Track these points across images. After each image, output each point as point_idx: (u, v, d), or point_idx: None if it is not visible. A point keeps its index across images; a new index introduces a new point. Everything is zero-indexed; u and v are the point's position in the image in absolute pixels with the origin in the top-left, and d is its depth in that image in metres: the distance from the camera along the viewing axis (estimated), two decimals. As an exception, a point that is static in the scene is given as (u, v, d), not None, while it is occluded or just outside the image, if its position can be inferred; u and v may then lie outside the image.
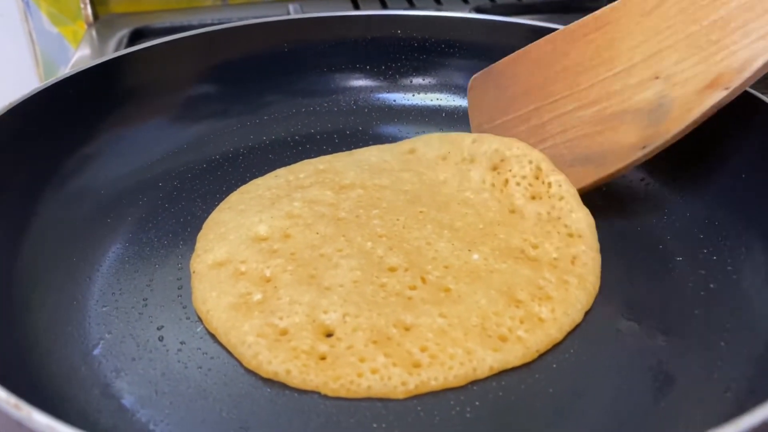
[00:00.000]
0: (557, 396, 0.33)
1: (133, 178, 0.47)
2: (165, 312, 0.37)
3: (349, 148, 0.50)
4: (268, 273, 0.38)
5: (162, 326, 0.36)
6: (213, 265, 0.39)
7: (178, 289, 0.39)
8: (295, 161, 0.49)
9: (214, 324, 0.36)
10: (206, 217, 0.44)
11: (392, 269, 0.38)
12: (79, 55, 0.69)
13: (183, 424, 0.32)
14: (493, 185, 0.43)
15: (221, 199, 0.45)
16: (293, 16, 0.71)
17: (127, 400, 0.33)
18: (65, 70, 0.78)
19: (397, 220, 0.41)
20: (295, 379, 0.33)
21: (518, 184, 0.42)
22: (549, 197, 0.41)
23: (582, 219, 0.40)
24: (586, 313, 0.37)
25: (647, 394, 0.33)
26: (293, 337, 0.34)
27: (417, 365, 0.33)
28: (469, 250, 0.39)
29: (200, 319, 0.37)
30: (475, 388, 0.33)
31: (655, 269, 0.40)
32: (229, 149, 0.51)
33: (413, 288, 0.37)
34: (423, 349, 0.34)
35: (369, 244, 0.39)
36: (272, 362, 0.34)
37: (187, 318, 0.37)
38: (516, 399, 0.33)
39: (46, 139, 0.44)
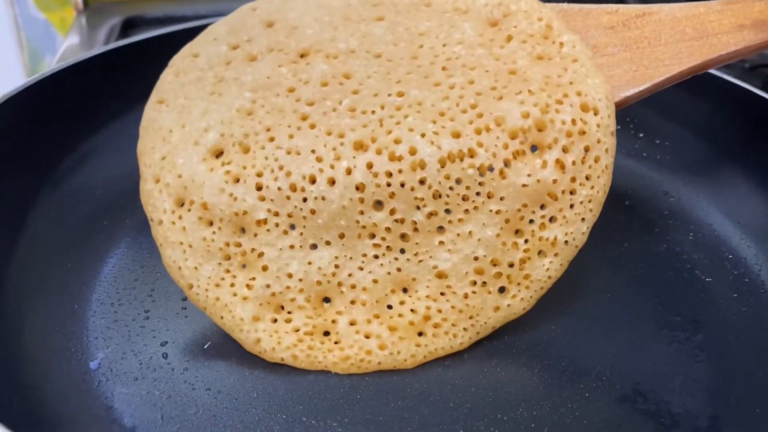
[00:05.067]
0: (593, 428, 0.31)
1: (132, 177, 0.43)
2: (169, 326, 0.35)
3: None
4: (237, 219, 0.33)
5: (166, 342, 0.34)
6: (173, 209, 0.34)
7: (182, 300, 0.36)
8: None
9: (201, 304, 0.33)
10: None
11: (378, 206, 0.33)
12: (68, 44, 0.66)
13: (192, 453, 0.29)
14: (491, 41, 0.35)
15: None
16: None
17: (130, 424, 0.30)
18: (52, 59, 0.75)
19: (373, 113, 0.33)
20: (303, 363, 0.33)
21: (524, 41, 0.35)
22: (560, 58, 0.34)
23: (599, 86, 0.34)
24: (617, 338, 0.35)
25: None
26: (292, 316, 0.33)
27: (422, 334, 0.33)
28: (460, 161, 0.32)
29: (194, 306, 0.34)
30: (505, 418, 0.31)
31: (684, 291, 0.38)
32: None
33: (406, 239, 0.33)
34: (426, 318, 0.33)
35: (344, 164, 0.32)
36: (276, 349, 0.33)
37: (193, 332, 0.34)
38: (549, 430, 0.31)
39: (37, 136, 0.41)
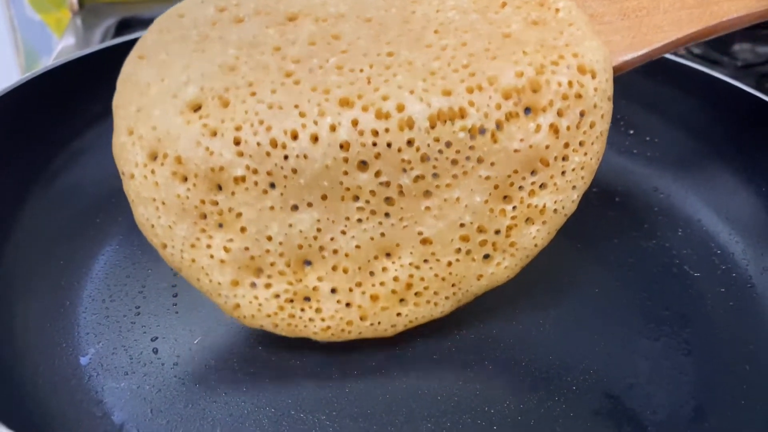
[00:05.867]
0: (580, 421, 0.31)
1: (124, 176, 0.44)
2: (159, 321, 0.35)
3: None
4: (214, 175, 0.31)
5: (156, 337, 0.34)
6: (146, 162, 0.32)
7: (173, 296, 0.36)
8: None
9: (176, 265, 0.32)
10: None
11: (363, 166, 0.31)
12: (64, 44, 0.66)
13: (180, 446, 0.30)
14: (486, 6, 0.34)
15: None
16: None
17: (120, 419, 0.30)
18: (48, 60, 0.76)
19: (361, 71, 0.32)
20: (283, 331, 0.33)
21: (519, 7, 0.34)
22: (556, 23, 0.33)
23: (597, 49, 0.32)
24: (605, 332, 0.35)
25: (677, 424, 0.31)
26: (272, 281, 0.32)
27: (404, 301, 0.33)
28: (450, 122, 0.31)
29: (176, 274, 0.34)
30: (492, 411, 0.31)
31: (673, 286, 0.38)
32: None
33: (390, 203, 0.31)
34: (408, 286, 0.33)
35: (329, 120, 0.30)
36: (255, 316, 0.32)
37: (183, 328, 0.35)
38: (535, 423, 0.31)
39: (29, 134, 0.41)
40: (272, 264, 0.32)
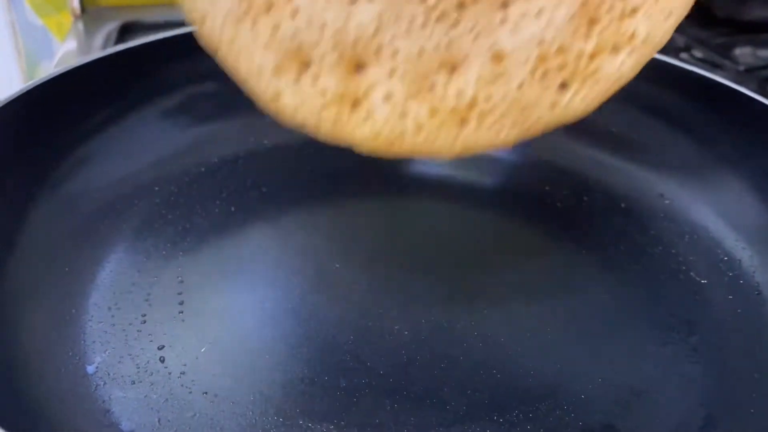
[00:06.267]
0: (588, 430, 0.31)
1: (128, 182, 0.44)
2: (165, 329, 0.35)
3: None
4: None
5: (163, 346, 0.34)
6: None
7: (179, 304, 0.36)
8: (299, 167, 0.46)
9: (215, 42, 0.28)
10: (206, 225, 0.41)
11: None
12: (65, 49, 0.66)
13: (189, 456, 0.29)
14: None
15: (221, 206, 0.43)
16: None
17: (128, 428, 0.30)
18: (50, 64, 0.76)
19: None
20: (326, 131, 0.29)
21: None
22: None
23: None
24: (612, 339, 0.35)
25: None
26: (320, 74, 0.28)
27: (464, 122, 0.29)
28: None
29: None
30: (501, 420, 0.31)
31: (679, 293, 0.38)
32: (229, 152, 0.48)
33: (463, 7, 0.28)
34: (471, 106, 0.29)
35: None
36: (298, 109, 0.29)
37: (190, 336, 0.35)
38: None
39: (34, 142, 0.41)
40: (323, 56, 0.28)
